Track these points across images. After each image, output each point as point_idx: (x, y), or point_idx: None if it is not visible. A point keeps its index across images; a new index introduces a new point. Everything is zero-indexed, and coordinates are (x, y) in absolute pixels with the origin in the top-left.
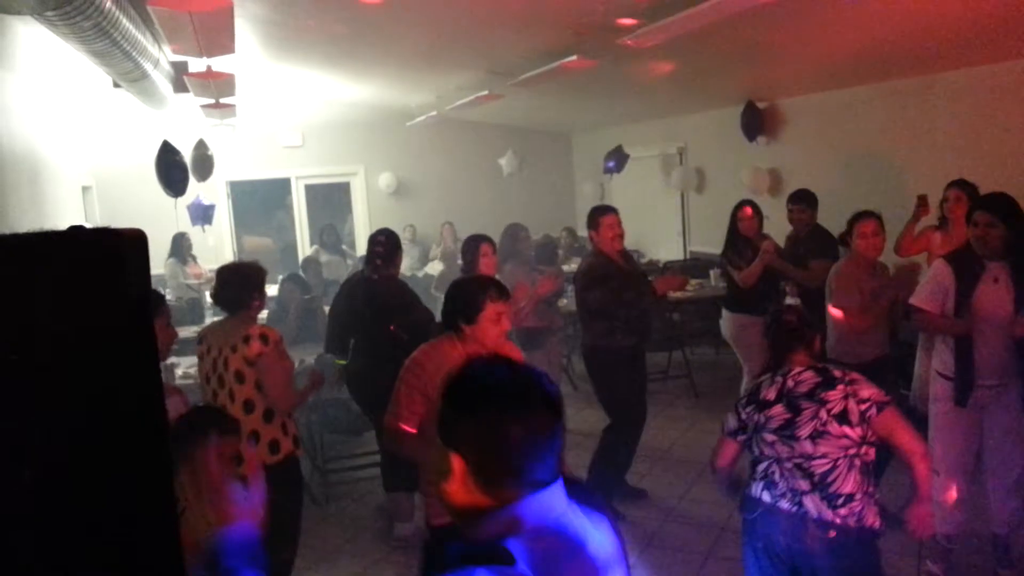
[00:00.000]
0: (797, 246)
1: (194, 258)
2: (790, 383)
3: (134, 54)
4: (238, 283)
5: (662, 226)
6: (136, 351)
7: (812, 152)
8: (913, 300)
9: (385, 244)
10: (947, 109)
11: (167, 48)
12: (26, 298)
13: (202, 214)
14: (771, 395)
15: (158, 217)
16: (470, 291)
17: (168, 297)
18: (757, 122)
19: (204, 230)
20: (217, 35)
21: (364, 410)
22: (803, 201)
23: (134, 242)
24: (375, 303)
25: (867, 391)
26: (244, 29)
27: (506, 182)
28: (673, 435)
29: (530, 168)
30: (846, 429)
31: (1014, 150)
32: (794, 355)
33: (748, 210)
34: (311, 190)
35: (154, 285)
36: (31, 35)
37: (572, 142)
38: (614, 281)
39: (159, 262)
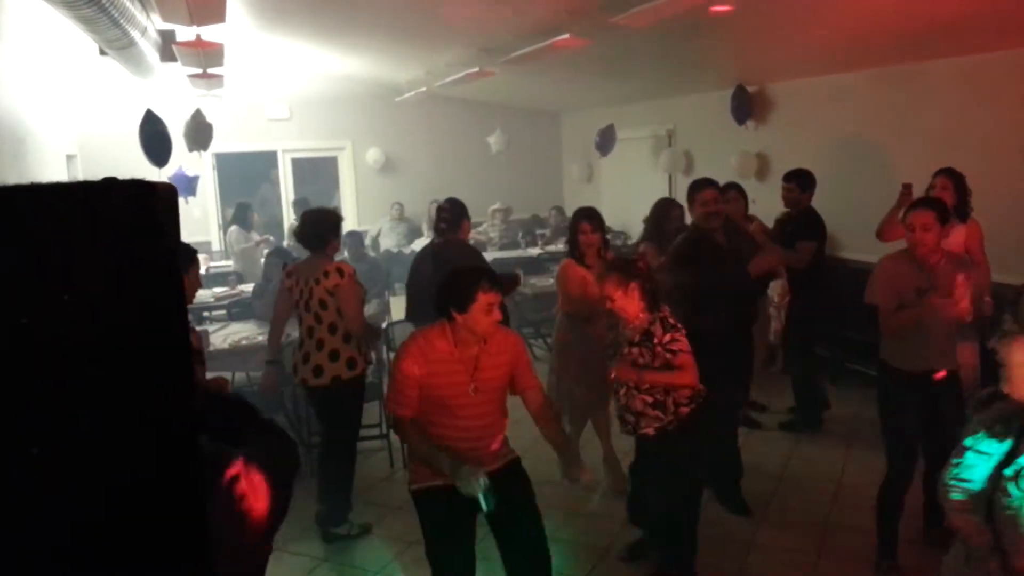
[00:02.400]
0: (786, 226)
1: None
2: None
3: (122, 21)
4: (319, 226)
5: (650, 207)
6: (166, 299)
7: (801, 137)
8: None
9: (449, 211)
10: (935, 97)
11: (155, 16)
12: (64, 244)
13: (185, 185)
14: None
15: None
16: (464, 281)
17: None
18: (746, 106)
19: (187, 201)
20: (208, 3)
21: None
22: (794, 180)
23: (166, 195)
24: (444, 266)
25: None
26: None
27: (495, 160)
28: None
29: (519, 147)
30: None
31: (1001, 139)
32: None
33: (732, 193)
34: (298, 164)
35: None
36: (17, 1)
37: (561, 121)
38: (704, 259)
39: None
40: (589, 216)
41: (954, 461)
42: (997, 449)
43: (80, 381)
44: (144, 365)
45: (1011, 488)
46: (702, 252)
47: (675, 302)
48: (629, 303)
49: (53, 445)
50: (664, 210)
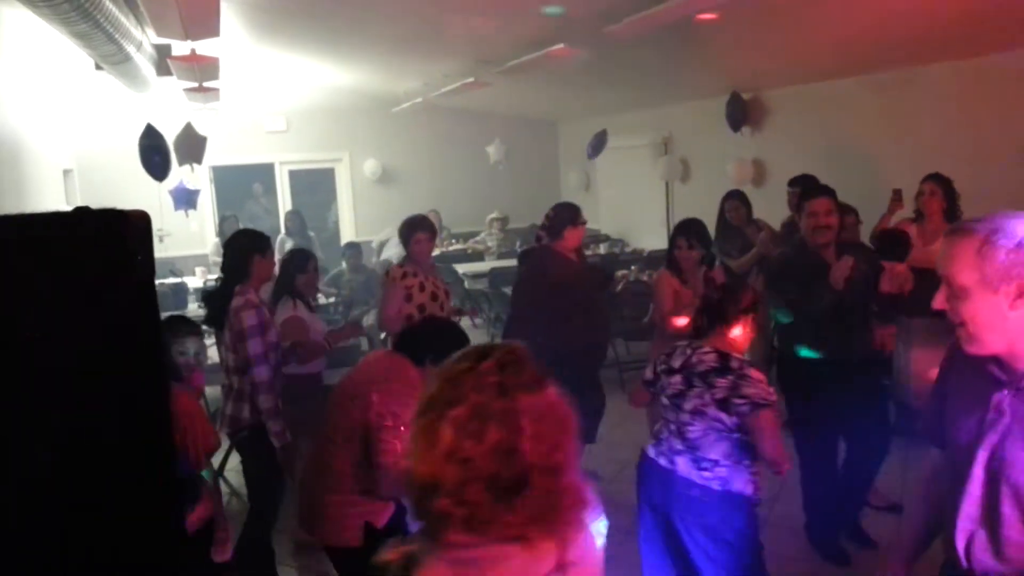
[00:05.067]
0: (793, 232)
1: None
2: (694, 359)
3: (117, 36)
4: (400, 234)
5: (646, 216)
6: (138, 327)
7: (796, 143)
8: None
9: (552, 218)
10: (929, 102)
11: (150, 31)
12: (34, 275)
13: (186, 199)
14: (677, 364)
15: (140, 201)
16: (455, 338)
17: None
18: (741, 113)
19: (187, 215)
20: (202, 17)
21: None
22: (799, 185)
23: (138, 223)
24: (521, 274)
25: (750, 390)
26: (229, 12)
27: (492, 170)
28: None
29: (516, 156)
30: (722, 415)
31: (994, 143)
32: (714, 330)
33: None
34: (295, 175)
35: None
36: (13, 17)
37: (558, 131)
38: (801, 279)
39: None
40: (686, 231)
41: None
42: None
43: (52, 413)
44: (118, 394)
45: None
46: (799, 270)
47: (776, 326)
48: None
49: (22, 478)
50: (720, 207)
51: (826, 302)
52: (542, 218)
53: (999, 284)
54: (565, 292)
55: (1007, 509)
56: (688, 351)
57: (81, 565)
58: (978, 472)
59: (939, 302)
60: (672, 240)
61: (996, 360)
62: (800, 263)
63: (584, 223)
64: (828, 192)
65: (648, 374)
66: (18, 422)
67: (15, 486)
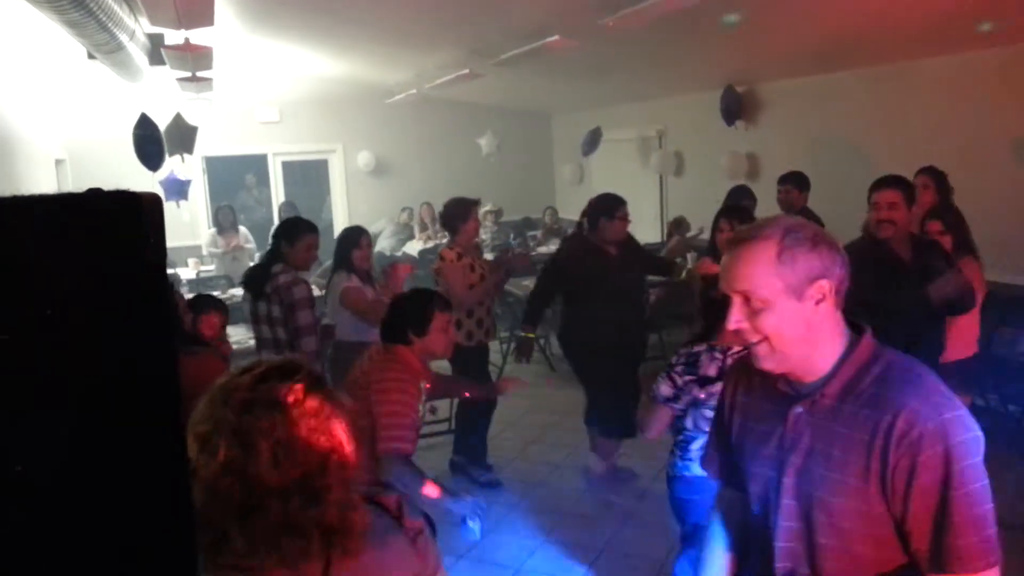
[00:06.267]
0: None
1: (235, 228)
2: (729, 361)
3: (110, 25)
4: (445, 213)
5: (640, 209)
6: (152, 312)
7: (790, 137)
8: None
9: (591, 206)
10: (924, 96)
11: (143, 19)
12: (46, 257)
13: (177, 189)
14: (712, 371)
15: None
16: (418, 302)
17: (210, 267)
18: (736, 107)
19: (179, 205)
20: (197, 6)
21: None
22: (790, 181)
23: (151, 205)
24: (558, 263)
25: None
26: (222, 1)
27: (486, 162)
28: None
29: (510, 148)
30: None
31: (987, 137)
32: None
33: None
34: (288, 167)
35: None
36: (3, 5)
37: (552, 123)
38: (870, 273)
39: None
40: (730, 214)
41: None
42: None
43: (64, 400)
44: (130, 381)
45: None
46: (869, 265)
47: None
48: None
49: (36, 466)
50: (735, 199)
51: (910, 301)
52: (538, 210)
53: (804, 289)
54: (591, 284)
55: (823, 539)
56: (717, 356)
57: (95, 546)
58: (788, 503)
59: (736, 321)
60: (714, 224)
61: (783, 377)
62: (873, 259)
63: (623, 218)
64: (896, 183)
65: (666, 391)
66: (29, 403)
67: (26, 466)
